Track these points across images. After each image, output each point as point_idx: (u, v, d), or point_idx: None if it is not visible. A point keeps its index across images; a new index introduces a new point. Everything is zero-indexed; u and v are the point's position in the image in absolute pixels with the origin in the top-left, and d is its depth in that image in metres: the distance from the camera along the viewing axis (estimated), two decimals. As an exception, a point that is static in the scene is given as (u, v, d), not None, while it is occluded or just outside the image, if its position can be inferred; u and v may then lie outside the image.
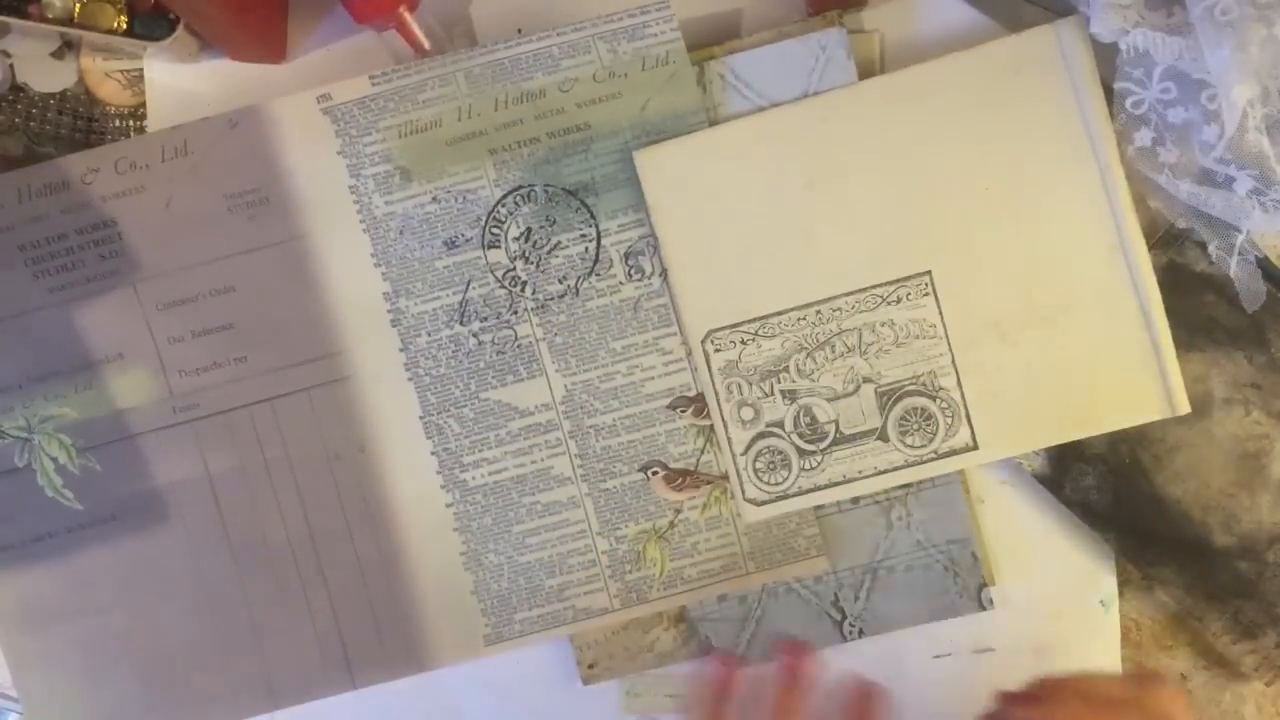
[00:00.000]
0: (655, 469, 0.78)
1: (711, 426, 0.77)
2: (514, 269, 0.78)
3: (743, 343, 0.77)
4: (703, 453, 0.78)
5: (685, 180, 0.76)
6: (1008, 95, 0.75)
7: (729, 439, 0.77)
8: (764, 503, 0.77)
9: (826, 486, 0.77)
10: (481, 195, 0.78)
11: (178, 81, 0.81)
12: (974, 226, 0.74)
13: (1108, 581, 0.78)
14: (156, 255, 0.79)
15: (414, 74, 0.77)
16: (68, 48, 0.82)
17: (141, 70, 0.82)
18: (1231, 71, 0.68)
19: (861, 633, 0.78)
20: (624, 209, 0.77)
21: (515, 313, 0.78)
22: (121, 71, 0.82)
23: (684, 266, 0.77)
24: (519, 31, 0.79)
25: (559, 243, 0.77)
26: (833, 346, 0.76)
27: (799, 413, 0.77)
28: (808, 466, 0.77)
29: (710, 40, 0.78)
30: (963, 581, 0.77)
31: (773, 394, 0.77)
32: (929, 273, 0.76)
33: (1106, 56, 0.74)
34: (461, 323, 0.78)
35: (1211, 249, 0.75)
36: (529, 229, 0.77)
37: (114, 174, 0.78)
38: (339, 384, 0.78)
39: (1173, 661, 0.79)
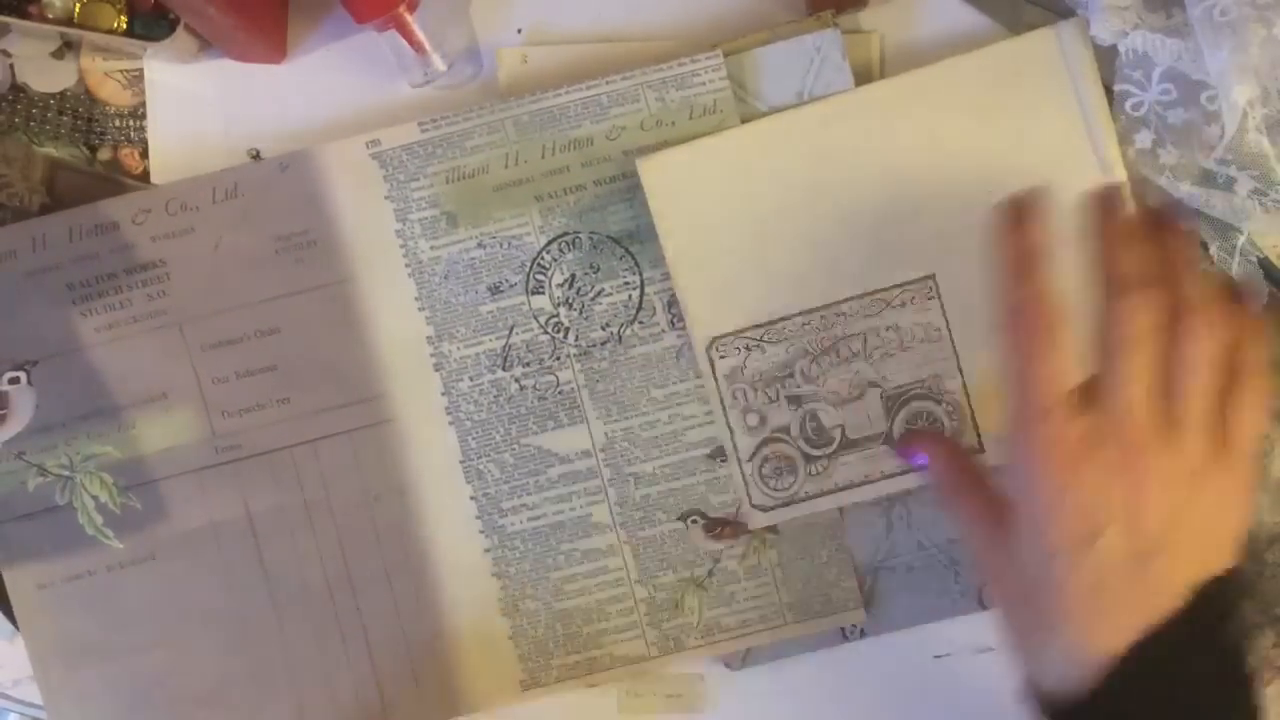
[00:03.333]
0: (694, 517, 0.78)
1: (752, 475, 0.77)
2: (557, 315, 0.78)
3: (748, 349, 0.77)
4: (742, 503, 0.77)
5: (689, 186, 0.76)
6: (1010, 98, 0.75)
7: (735, 446, 0.77)
8: (771, 508, 0.77)
9: (833, 491, 0.77)
10: (526, 242, 0.78)
11: (178, 81, 0.82)
12: (977, 229, 0.71)
13: None
14: (204, 296, 0.79)
15: (462, 121, 0.78)
16: (68, 48, 0.82)
17: (141, 70, 0.82)
18: (1231, 72, 0.69)
19: (863, 633, 0.78)
20: (668, 257, 0.77)
21: (558, 359, 0.78)
22: (121, 71, 0.82)
23: (688, 274, 0.77)
24: (519, 32, 0.80)
25: (603, 290, 0.78)
26: (838, 351, 0.77)
27: (805, 418, 0.77)
28: (814, 472, 0.77)
29: (704, 41, 0.79)
30: (964, 581, 0.78)
31: (778, 400, 0.77)
32: (933, 276, 0.76)
33: (1106, 59, 0.75)
34: (504, 368, 0.78)
35: (1213, 250, 0.75)
36: (573, 275, 0.78)
37: (165, 215, 0.79)
38: (381, 427, 0.79)
39: None
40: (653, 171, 0.76)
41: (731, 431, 0.77)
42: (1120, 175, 0.75)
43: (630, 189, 0.77)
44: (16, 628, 0.80)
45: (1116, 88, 0.75)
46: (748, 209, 0.77)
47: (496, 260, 0.78)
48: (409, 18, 0.76)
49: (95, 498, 0.79)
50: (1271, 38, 0.69)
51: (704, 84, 0.77)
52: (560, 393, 0.78)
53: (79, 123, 0.82)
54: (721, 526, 0.78)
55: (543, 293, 0.78)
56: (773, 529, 0.78)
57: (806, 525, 0.78)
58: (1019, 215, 0.62)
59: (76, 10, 0.78)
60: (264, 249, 0.79)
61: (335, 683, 0.78)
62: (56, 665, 0.79)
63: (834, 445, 0.77)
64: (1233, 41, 0.68)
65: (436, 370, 0.79)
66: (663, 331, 0.78)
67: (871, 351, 0.76)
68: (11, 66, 0.82)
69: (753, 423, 0.77)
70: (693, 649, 0.78)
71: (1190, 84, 0.73)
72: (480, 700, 0.78)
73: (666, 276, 0.77)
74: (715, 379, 0.77)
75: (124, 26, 0.79)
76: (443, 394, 0.78)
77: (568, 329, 0.78)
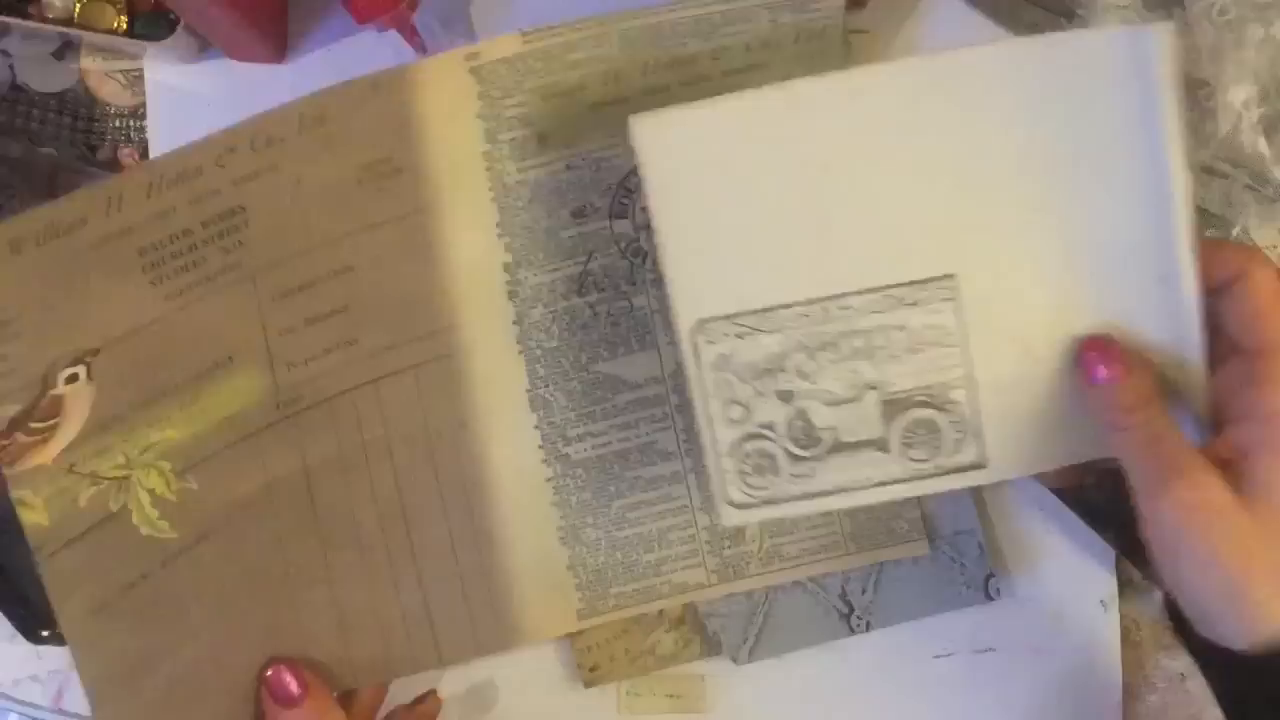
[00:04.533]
0: (762, 444, 0.77)
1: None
2: (638, 240, 0.74)
3: (739, 336, 0.71)
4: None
5: (687, 152, 0.69)
6: (1062, 95, 0.68)
7: (714, 438, 0.72)
8: (746, 506, 0.73)
9: (817, 495, 0.73)
10: (615, 164, 0.73)
11: (178, 81, 0.82)
12: (1008, 231, 0.69)
13: (1108, 581, 0.82)
14: (280, 241, 0.69)
15: (568, 32, 0.70)
16: (68, 48, 0.82)
17: (141, 70, 0.82)
18: (1228, 71, 0.73)
19: (869, 625, 0.80)
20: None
21: (634, 284, 0.74)
22: (121, 71, 0.82)
23: (679, 248, 0.70)
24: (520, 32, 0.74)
25: (687, 213, 0.73)
26: (838, 348, 0.72)
27: (793, 416, 0.72)
28: (798, 473, 0.73)
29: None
30: (969, 573, 0.80)
31: (766, 394, 0.72)
32: (953, 276, 0.70)
33: None
34: (580, 294, 0.74)
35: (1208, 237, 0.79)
36: (660, 198, 0.73)
37: (250, 152, 0.67)
38: (447, 360, 0.73)
39: (1173, 662, 0.83)
40: (647, 131, 0.68)
41: (711, 422, 0.72)
42: (1182, 201, 0.67)
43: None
44: (30, 637, 0.77)
45: (1114, 86, 0.77)
46: (752, 183, 0.69)
47: (584, 183, 0.72)
48: (409, 17, 0.75)
49: (151, 491, 0.68)
50: (1270, 38, 0.73)
51: (819, 10, 0.72)
52: (633, 318, 0.75)
53: (79, 123, 0.82)
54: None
55: (626, 217, 0.73)
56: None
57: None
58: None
59: (76, 10, 0.78)
60: (346, 180, 0.69)
61: (385, 620, 0.74)
62: (115, 689, 0.69)
63: (822, 447, 0.72)
64: (1231, 41, 0.72)
65: (510, 299, 0.73)
66: (743, 256, 0.75)
67: (875, 351, 0.71)
68: (11, 66, 0.82)
69: (735, 415, 0.72)
70: (753, 576, 0.79)
71: (1188, 81, 0.75)
72: (536, 631, 0.77)
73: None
74: (698, 364, 0.71)
75: (124, 26, 0.79)
76: (514, 323, 0.73)
77: (647, 254, 0.74)
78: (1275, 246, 0.81)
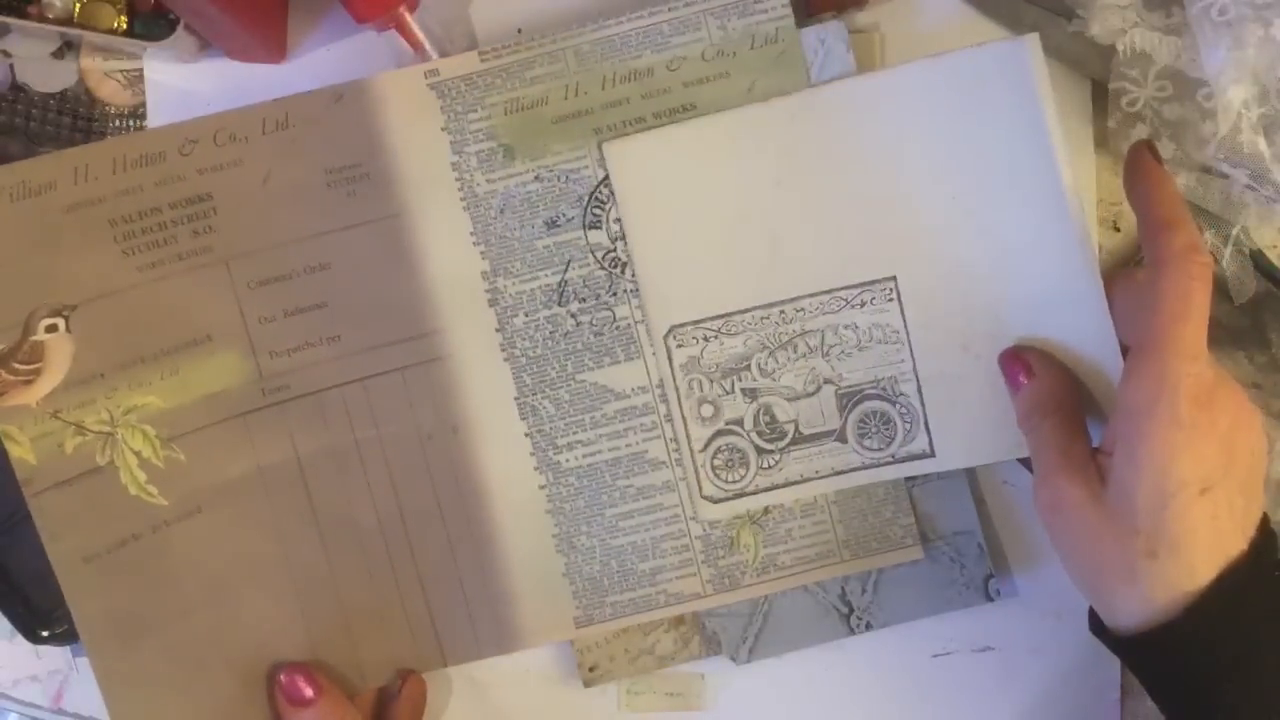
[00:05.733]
0: (749, 453, 0.79)
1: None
2: (614, 250, 0.77)
3: (705, 339, 0.77)
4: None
5: (654, 174, 0.76)
6: (970, 105, 0.73)
7: (688, 436, 0.78)
8: (721, 500, 0.78)
9: (784, 485, 0.78)
10: (584, 175, 0.76)
11: (178, 81, 0.81)
12: (940, 235, 0.74)
13: None
14: (251, 232, 0.75)
15: (523, 50, 0.75)
16: (68, 48, 0.82)
17: (141, 70, 0.81)
18: (1228, 71, 0.72)
19: (869, 626, 0.80)
20: (726, 192, 0.77)
21: (614, 294, 0.77)
22: (121, 71, 0.82)
23: (650, 260, 0.76)
24: (519, 32, 0.79)
25: (659, 223, 0.77)
26: (795, 347, 0.77)
27: (759, 411, 0.77)
28: (765, 465, 0.78)
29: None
30: (969, 573, 0.79)
31: (733, 392, 0.77)
32: (894, 278, 0.75)
33: (1103, 57, 0.77)
34: (560, 303, 0.77)
35: (1208, 237, 0.78)
36: (631, 210, 0.77)
37: (213, 146, 0.74)
38: (433, 364, 0.77)
39: None
40: (618, 156, 0.76)
41: (685, 421, 0.78)
42: (1088, 193, 0.78)
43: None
44: (30, 637, 0.79)
45: (1112, 85, 0.77)
46: (712, 200, 0.76)
47: (554, 194, 0.76)
48: (409, 18, 0.76)
49: (137, 453, 0.74)
50: (1269, 37, 0.72)
51: (767, 12, 0.75)
52: (617, 328, 0.77)
53: (79, 123, 0.82)
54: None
55: (600, 227, 0.77)
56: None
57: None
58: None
59: (76, 10, 0.79)
60: (314, 182, 0.75)
61: (389, 622, 0.77)
62: (112, 645, 0.74)
63: (786, 440, 0.77)
64: (1230, 40, 0.71)
65: (491, 306, 0.77)
66: (719, 267, 0.78)
67: (829, 349, 0.76)
68: (11, 66, 0.82)
69: (706, 414, 0.77)
70: (748, 587, 0.79)
71: (1187, 81, 0.75)
72: (535, 637, 0.79)
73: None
74: (671, 367, 0.77)
75: (124, 26, 0.79)
76: (497, 330, 0.77)
77: (625, 264, 0.77)
78: (1275, 246, 0.80)
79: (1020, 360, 0.71)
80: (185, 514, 0.75)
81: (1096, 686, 0.80)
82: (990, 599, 0.79)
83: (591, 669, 0.80)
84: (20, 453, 0.73)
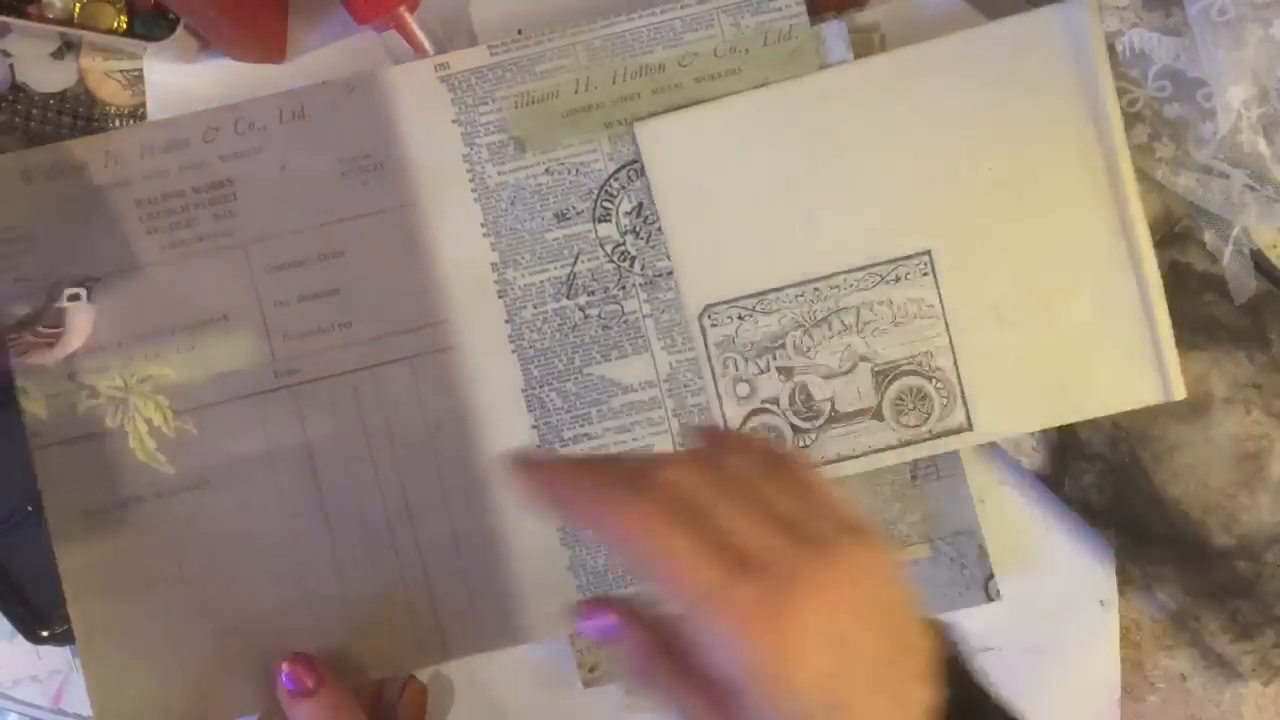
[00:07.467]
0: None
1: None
2: (624, 244, 0.78)
3: (740, 318, 0.77)
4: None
5: (687, 154, 0.77)
6: (1012, 75, 0.75)
7: (723, 415, 0.78)
8: None
9: (820, 465, 0.78)
10: (595, 169, 0.77)
11: (178, 81, 0.81)
12: (975, 207, 0.75)
13: (1108, 581, 0.80)
14: (269, 218, 0.77)
15: (533, 45, 0.76)
16: (68, 48, 0.82)
17: (141, 70, 0.81)
18: (1228, 71, 0.72)
19: None
20: (736, 188, 0.78)
21: (623, 288, 0.78)
22: (121, 71, 0.82)
23: (683, 241, 0.77)
24: (519, 32, 0.79)
25: (669, 218, 0.78)
26: (830, 324, 0.77)
27: (795, 390, 0.78)
28: (802, 444, 0.78)
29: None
30: (969, 573, 0.79)
31: (769, 370, 0.78)
32: (929, 252, 0.76)
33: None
34: (568, 296, 0.78)
35: (1208, 238, 0.78)
36: (640, 204, 0.77)
37: (234, 134, 0.76)
38: (442, 354, 0.78)
39: (1172, 662, 0.81)
40: (650, 137, 0.77)
41: (720, 400, 0.78)
42: (1122, 155, 0.75)
43: (702, 118, 0.78)
44: (30, 637, 0.79)
45: (1112, 86, 0.78)
46: (745, 178, 0.77)
47: (564, 187, 0.77)
48: (409, 18, 0.76)
49: (149, 421, 0.76)
50: (1268, 37, 0.72)
51: (780, 9, 0.76)
52: (625, 322, 0.78)
53: (79, 123, 0.82)
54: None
55: (609, 220, 0.78)
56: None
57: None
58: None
59: (76, 10, 0.79)
60: (329, 171, 0.77)
61: (392, 612, 0.78)
62: (96, 595, 0.76)
63: (823, 418, 0.77)
64: (1230, 40, 0.72)
65: (500, 297, 0.78)
66: (730, 261, 0.79)
67: (864, 325, 0.77)
68: (11, 66, 0.82)
69: (742, 392, 0.78)
70: None
71: (1187, 81, 0.76)
72: (539, 629, 0.79)
73: (735, 206, 0.78)
74: (706, 347, 0.78)
75: (124, 26, 0.79)
76: (506, 321, 0.78)
77: (634, 258, 0.78)
78: (1275, 246, 0.80)
79: (602, 610, 0.61)
80: (191, 485, 0.76)
81: (1097, 687, 0.80)
82: (990, 599, 0.79)
83: (591, 669, 0.80)
84: (33, 408, 0.76)
